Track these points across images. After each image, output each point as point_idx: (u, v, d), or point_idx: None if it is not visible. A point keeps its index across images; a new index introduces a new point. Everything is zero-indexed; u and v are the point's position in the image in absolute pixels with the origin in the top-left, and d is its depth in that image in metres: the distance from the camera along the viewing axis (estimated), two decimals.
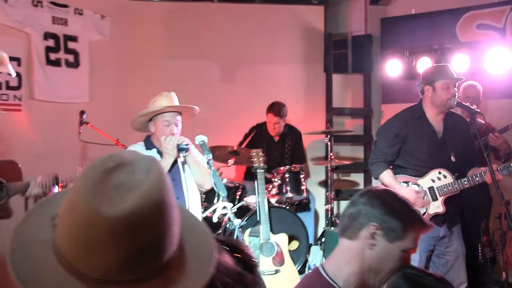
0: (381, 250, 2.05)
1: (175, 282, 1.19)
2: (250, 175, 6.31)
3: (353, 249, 2.09)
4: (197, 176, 4.12)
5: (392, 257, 2.04)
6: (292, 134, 6.89)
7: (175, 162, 4.01)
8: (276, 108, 6.63)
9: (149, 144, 4.19)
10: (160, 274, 1.17)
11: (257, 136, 6.79)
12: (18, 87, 6.31)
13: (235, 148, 6.33)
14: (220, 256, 1.38)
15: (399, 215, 2.05)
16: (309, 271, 6.27)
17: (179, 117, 4.14)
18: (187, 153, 4.01)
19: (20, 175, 3.88)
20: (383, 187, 2.30)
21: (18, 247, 1.19)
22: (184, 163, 4.04)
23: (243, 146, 6.58)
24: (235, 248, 1.55)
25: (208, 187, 4.16)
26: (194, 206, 4.12)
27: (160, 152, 4.07)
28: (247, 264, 1.53)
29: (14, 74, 3.85)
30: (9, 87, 6.16)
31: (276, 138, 6.87)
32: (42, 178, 4.06)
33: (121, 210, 1.07)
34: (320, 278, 2.11)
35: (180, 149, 3.94)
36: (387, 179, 4.47)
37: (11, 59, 6.05)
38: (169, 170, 3.99)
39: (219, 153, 6.02)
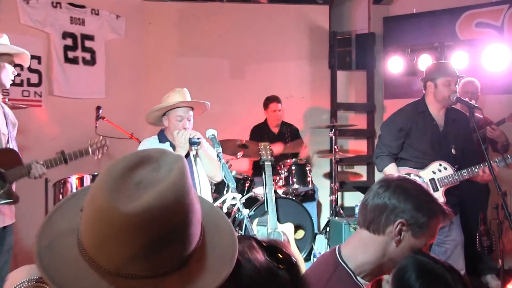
0: (406, 245, 1.99)
1: (191, 281, 1.18)
2: (258, 168, 6.33)
3: (376, 242, 2.03)
4: (208, 169, 4.11)
5: (416, 249, 1.98)
6: (290, 129, 6.92)
7: (187, 155, 3.99)
8: (275, 97, 6.79)
9: (162, 138, 4.18)
10: (177, 271, 1.17)
11: (258, 134, 6.82)
12: (38, 84, 6.34)
13: (244, 141, 6.35)
14: (252, 255, 1.37)
15: (426, 209, 1.98)
16: (315, 258, 6.30)
17: (191, 112, 4.12)
18: (199, 147, 4.00)
19: (20, 162, 3.88)
20: (402, 175, 2.22)
21: (46, 234, 1.22)
22: (196, 156, 4.03)
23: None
24: (275, 248, 1.52)
25: (218, 179, 4.13)
26: (205, 197, 4.08)
27: (173, 146, 4.06)
28: (288, 264, 1.50)
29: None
30: (30, 84, 6.20)
31: (276, 131, 6.91)
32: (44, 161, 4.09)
33: (136, 207, 1.07)
34: (333, 257, 2.10)
35: (192, 142, 3.92)
36: (392, 172, 4.44)
37: (33, 58, 6.11)
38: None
39: (228, 146, 6.02)
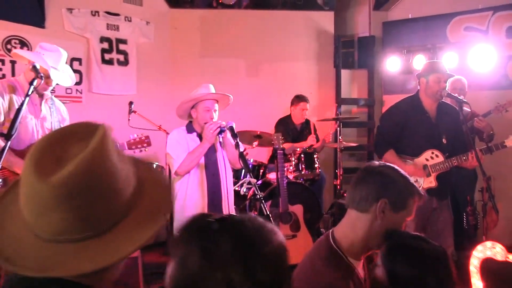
0: (388, 220, 2.02)
1: (125, 235, 1.14)
2: (273, 157, 6.35)
3: (363, 220, 2.05)
4: (230, 156, 4.11)
5: (397, 225, 2.05)
6: (309, 125, 6.93)
7: (214, 144, 4.01)
8: (305, 98, 6.72)
9: (190, 129, 4.15)
10: (111, 229, 1.14)
11: (283, 127, 6.80)
12: (79, 83, 6.39)
13: (259, 132, 6.39)
14: None
15: (404, 190, 2.04)
16: (321, 236, 6.35)
17: (216, 105, 4.10)
18: (224, 135, 4.00)
19: None
20: (386, 163, 2.25)
21: None
22: (221, 143, 4.05)
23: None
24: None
25: (238, 166, 4.13)
26: (228, 181, 4.12)
27: (199, 136, 4.05)
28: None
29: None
30: None
31: (298, 127, 6.89)
32: None
33: (58, 177, 1.05)
34: (327, 241, 2.12)
35: (219, 132, 3.93)
36: (390, 158, 4.45)
37: (75, 59, 6.21)
38: (208, 152, 3.97)
39: (245, 137, 6.02)
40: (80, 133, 1.15)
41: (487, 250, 3.03)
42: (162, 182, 1.34)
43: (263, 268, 1.19)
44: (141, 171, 1.29)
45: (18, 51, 4.14)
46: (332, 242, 2.10)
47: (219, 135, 3.97)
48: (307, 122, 6.92)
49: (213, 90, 4.10)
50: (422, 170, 4.35)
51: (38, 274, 1.09)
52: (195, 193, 4.01)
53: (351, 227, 2.10)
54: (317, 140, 6.73)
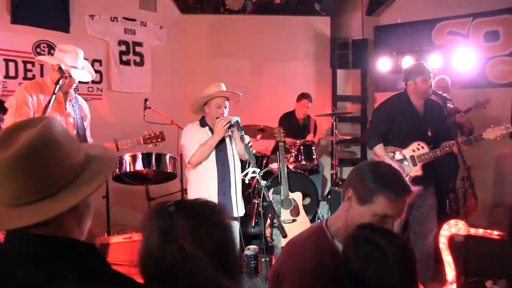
0: (355, 211, 2.00)
1: (66, 195, 1.26)
2: (275, 148, 6.38)
3: (343, 208, 2.07)
4: (239, 148, 4.09)
5: (365, 219, 1.92)
6: (311, 121, 6.96)
7: (224, 137, 4.02)
8: (308, 95, 6.73)
9: (203, 123, 4.15)
10: (59, 192, 1.26)
11: (287, 122, 6.84)
12: (99, 82, 6.44)
13: (262, 126, 6.42)
14: None
15: (372, 185, 1.95)
16: (318, 220, 6.39)
17: (227, 102, 4.09)
18: (234, 129, 3.99)
19: None
20: (375, 161, 2.22)
21: None
22: (231, 136, 4.06)
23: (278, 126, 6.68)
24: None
25: (246, 157, 4.10)
26: (237, 170, 4.13)
27: (211, 130, 4.05)
28: None
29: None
30: (93, 82, 6.22)
31: (301, 122, 6.90)
32: None
33: (8, 152, 1.19)
34: (321, 224, 2.15)
35: (230, 126, 3.93)
36: (379, 151, 4.48)
37: (95, 61, 6.26)
38: (219, 144, 3.98)
39: (249, 130, 6.03)
40: (31, 122, 1.28)
41: (452, 227, 3.10)
42: (106, 156, 1.46)
43: (210, 237, 1.36)
44: (92, 150, 1.46)
45: (40, 58, 4.21)
46: (324, 226, 2.12)
47: (229, 129, 3.97)
48: (309, 118, 6.95)
49: (224, 88, 4.11)
50: (401, 165, 4.36)
51: (4, 228, 1.26)
52: (207, 181, 4.03)
53: (339, 214, 2.12)
54: (315, 136, 6.79)
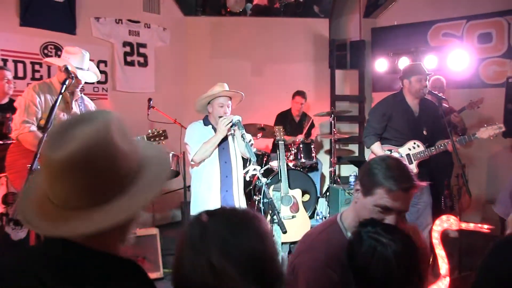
0: (360, 203, 2.03)
1: (118, 206, 1.16)
2: (275, 146, 6.40)
3: (353, 201, 2.11)
4: (241, 147, 4.09)
5: (368, 210, 1.97)
6: (308, 120, 6.98)
7: (226, 135, 4.03)
8: (302, 93, 6.79)
9: (206, 122, 4.15)
10: (111, 199, 1.16)
11: (282, 120, 6.87)
12: (105, 82, 6.46)
13: (262, 125, 6.43)
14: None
15: (374, 178, 1.96)
16: (317, 216, 6.40)
17: (229, 102, 4.09)
18: (236, 128, 3.99)
19: None
20: (385, 155, 2.21)
21: (26, 188, 1.31)
22: (233, 135, 4.07)
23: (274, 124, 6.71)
24: None
25: (247, 155, 4.08)
26: (239, 168, 4.14)
27: (214, 128, 4.05)
28: None
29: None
30: (98, 82, 6.22)
31: (297, 119, 6.94)
32: None
33: (61, 154, 1.09)
34: (335, 217, 2.19)
35: (232, 124, 3.94)
36: (376, 149, 4.50)
37: (101, 62, 6.27)
38: (221, 142, 3.99)
39: (250, 129, 6.05)
40: (90, 118, 1.18)
41: (444, 223, 3.13)
42: (162, 160, 1.34)
43: (242, 249, 1.21)
44: (147, 150, 1.32)
45: (48, 59, 4.23)
46: (338, 219, 2.16)
47: (231, 128, 3.98)
48: (307, 117, 6.97)
49: (227, 88, 4.11)
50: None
51: (46, 234, 1.16)
52: (210, 178, 4.04)
53: (350, 207, 2.16)
54: (309, 135, 6.80)
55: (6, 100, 4.94)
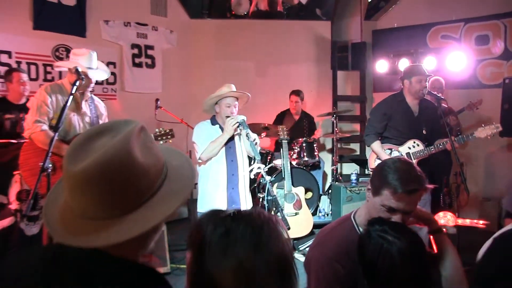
0: (371, 202, 2.07)
1: (139, 219, 1.12)
2: (278, 145, 6.41)
3: (366, 199, 2.14)
4: (247, 146, 4.09)
5: (376, 209, 2.00)
6: (307, 117, 6.98)
7: (233, 135, 4.02)
8: (296, 91, 6.81)
9: (214, 121, 4.14)
10: (131, 211, 1.13)
11: (281, 118, 6.90)
12: (114, 83, 6.50)
13: (267, 124, 6.45)
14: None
15: (381, 179, 1.99)
16: (320, 213, 6.42)
17: (236, 102, 4.08)
18: (242, 128, 3.98)
19: None
20: (397, 157, 2.24)
21: (49, 196, 1.27)
22: (239, 134, 4.08)
23: (272, 123, 6.74)
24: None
25: (252, 154, 4.11)
26: (245, 166, 4.15)
27: (221, 128, 4.04)
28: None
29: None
30: (108, 83, 6.35)
31: (296, 118, 6.96)
32: None
33: (80, 167, 1.07)
34: (349, 214, 2.22)
35: (239, 124, 3.93)
36: (376, 148, 4.52)
37: (110, 63, 6.30)
38: (228, 141, 3.99)
39: (254, 128, 5.96)
40: (112, 129, 1.15)
41: (441, 219, 3.14)
42: (186, 170, 1.30)
43: (271, 252, 1.17)
44: (172, 158, 1.29)
45: (58, 64, 4.27)
46: (352, 216, 2.20)
47: (238, 128, 3.98)
48: (307, 115, 6.97)
49: (234, 89, 4.10)
50: None
51: (68, 243, 1.12)
52: (217, 176, 4.05)
53: (362, 207, 2.19)
54: (311, 133, 6.81)
55: (23, 100, 5.02)
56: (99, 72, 4.11)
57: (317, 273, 2.05)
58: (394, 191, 1.95)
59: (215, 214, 1.25)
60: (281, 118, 6.91)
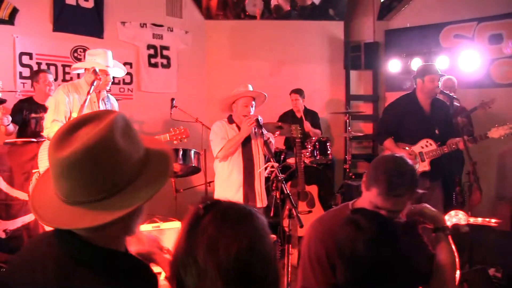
0: (363, 195, 2.12)
1: (124, 201, 1.16)
2: (288, 143, 6.44)
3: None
4: (261, 144, 4.12)
5: (366, 203, 2.06)
6: (309, 113, 6.93)
7: (250, 134, 4.06)
8: (296, 90, 6.74)
9: (231, 120, 4.17)
10: (114, 195, 1.17)
11: (283, 118, 6.86)
12: (130, 83, 6.57)
13: (280, 123, 6.44)
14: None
15: (371, 175, 2.03)
16: None
17: (253, 102, 4.11)
18: (258, 127, 4.00)
19: None
20: (390, 154, 2.25)
21: (38, 183, 1.32)
22: (256, 133, 4.09)
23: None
24: None
25: (266, 153, 4.11)
26: (261, 165, 4.16)
27: (238, 127, 4.08)
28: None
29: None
30: (124, 83, 6.42)
31: (298, 115, 6.92)
32: None
33: (64, 153, 1.12)
34: (347, 203, 2.26)
35: (257, 124, 3.96)
36: (389, 145, 4.52)
37: (126, 64, 6.34)
38: (245, 140, 4.01)
39: (268, 127, 5.97)
40: (95, 118, 1.20)
41: (453, 218, 3.11)
42: (166, 155, 1.33)
43: (228, 249, 1.08)
44: (152, 145, 1.33)
45: (75, 65, 4.34)
46: (351, 203, 2.24)
47: (254, 127, 4.00)
48: (310, 112, 6.91)
49: (251, 89, 4.14)
50: (412, 157, 4.37)
51: (55, 226, 1.19)
52: (234, 174, 4.08)
53: (363, 195, 2.18)
54: (317, 126, 6.75)
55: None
56: (116, 70, 4.18)
57: (303, 250, 2.13)
58: (380, 192, 1.98)
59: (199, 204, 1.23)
60: (283, 117, 6.88)
